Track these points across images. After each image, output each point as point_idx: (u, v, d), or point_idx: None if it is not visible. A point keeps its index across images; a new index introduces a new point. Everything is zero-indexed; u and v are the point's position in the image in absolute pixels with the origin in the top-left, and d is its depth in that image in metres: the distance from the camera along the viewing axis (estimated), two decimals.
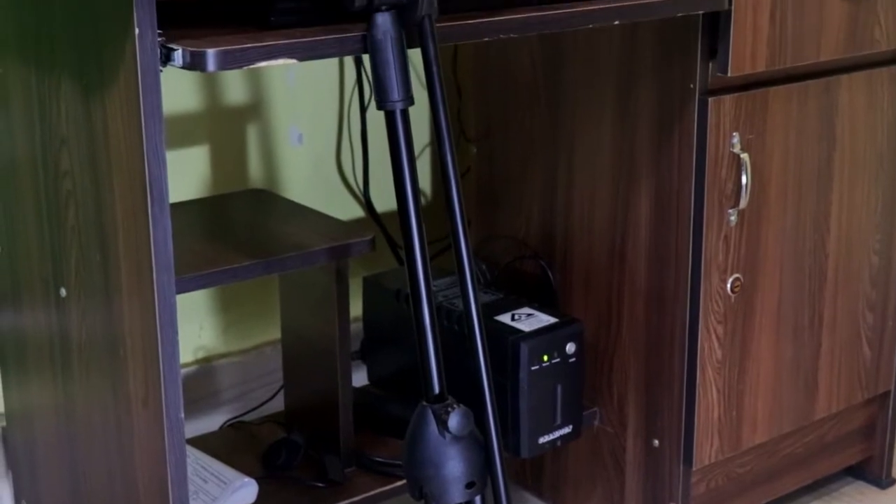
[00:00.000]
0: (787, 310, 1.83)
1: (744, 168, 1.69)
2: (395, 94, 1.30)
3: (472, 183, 2.04)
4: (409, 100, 1.32)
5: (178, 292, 1.29)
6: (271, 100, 2.07)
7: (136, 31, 1.17)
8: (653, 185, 1.74)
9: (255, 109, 2.06)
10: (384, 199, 2.16)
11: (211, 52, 1.19)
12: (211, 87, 2.00)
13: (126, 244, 1.28)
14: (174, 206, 1.30)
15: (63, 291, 1.42)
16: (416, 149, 2.15)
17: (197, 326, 2.08)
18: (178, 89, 1.95)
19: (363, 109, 2.11)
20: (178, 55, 1.20)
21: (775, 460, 1.95)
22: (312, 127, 2.13)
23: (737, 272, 1.74)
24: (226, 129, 2.04)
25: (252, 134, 2.07)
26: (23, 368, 1.62)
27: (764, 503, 1.97)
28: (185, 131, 1.99)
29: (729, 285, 1.74)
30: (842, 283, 1.90)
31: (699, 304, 1.71)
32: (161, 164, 1.22)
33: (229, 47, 1.20)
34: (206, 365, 2.11)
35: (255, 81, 2.05)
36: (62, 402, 1.50)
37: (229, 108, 2.04)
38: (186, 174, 2.00)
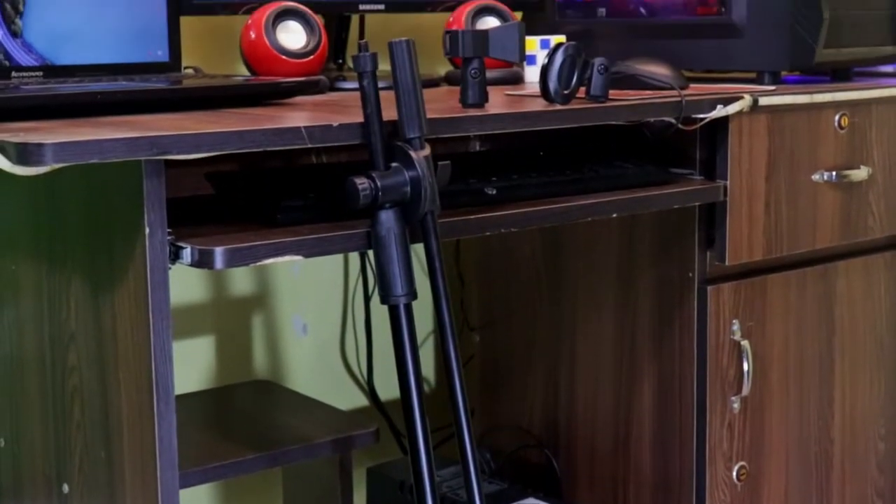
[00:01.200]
0: (795, 497, 1.81)
1: (745, 355, 1.70)
2: (399, 289, 1.32)
3: (475, 371, 2.05)
4: (412, 294, 1.34)
5: (182, 487, 1.29)
6: (276, 290, 2.10)
7: (147, 230, 1.20)
8: (655, 372, 1.75)
9: (260, 300, 2.09)
10: (388, 388, 2.17)
11: (219, 251, 1.21)
12: (217, 279, 2.03)
13: (131, 441, 1.28)
14: (178, 398, 1.31)
15: (66, 487, 1.42)
16: (420, 336, 2.17)
17: None
18: (184, 282, 1.98)
19: (367, 300, 2.13)
20: (188, 253, 1.22)
21: None
22: (317, 317, 2.15)
23: (742, 460, 1.73)
24: (231, 319, 2.06)
25: (257, 324, 2.09)
26: None
27: None
28: (190, 323, 2.01)
29: (735, 473, 1.73)
30: (849, 470, 1.89)
31: (705, 492, 1.70)
32: (168, 361, 1.23)
33: (237, 245, 1.23)
34: None
35: (261, 272, 2.08)
36: None
37: (235, 299, 2.06)
38: (191, 365, 2.01)
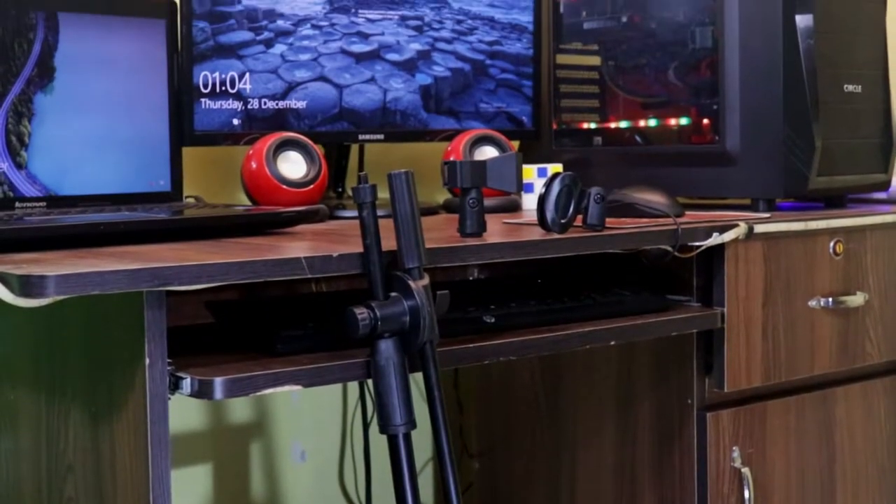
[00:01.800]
0: None
1: (746, 482, 1.69)
2: (398, 418, 1.32)
3: (474, 499, 2.04)
4: (411, 423, 1.33)
5: None
6: (275, 417, 2.10)
7: (147, 360, 1.20)
8: (656, 500, 1.74)
9: (258, 426, 2.08)
10: None
11: (219, 381, 1.22)
12: (216, 406, 2.03)
13: None
14: None
15: None
16: (419, 463, 2.15)
17: None
18: (181, 408, 1.97)
19: (366, 427, 2.12)
20: (187, 384, 1.23)
21: None
22: (315, 444, 2.14)
23: None
24: (229, 446, 2.05)
25: (255, 451, 2.08)
26: None
27: None
28: (189, 450, 2.00)
29: None
30: None
31: None
32: (166, 492, 1.23)
33: (236, 375, 1.23)
34: None
35: (260, 399, 2.08)
36: None
37: (233, 427, 2.06)
38: (190, 493, 1.99)
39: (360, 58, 1.92)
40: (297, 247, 1.39)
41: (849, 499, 1.85)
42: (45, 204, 1.64)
